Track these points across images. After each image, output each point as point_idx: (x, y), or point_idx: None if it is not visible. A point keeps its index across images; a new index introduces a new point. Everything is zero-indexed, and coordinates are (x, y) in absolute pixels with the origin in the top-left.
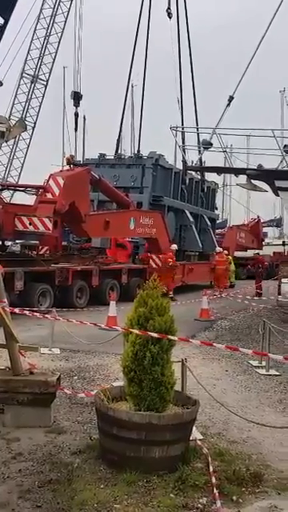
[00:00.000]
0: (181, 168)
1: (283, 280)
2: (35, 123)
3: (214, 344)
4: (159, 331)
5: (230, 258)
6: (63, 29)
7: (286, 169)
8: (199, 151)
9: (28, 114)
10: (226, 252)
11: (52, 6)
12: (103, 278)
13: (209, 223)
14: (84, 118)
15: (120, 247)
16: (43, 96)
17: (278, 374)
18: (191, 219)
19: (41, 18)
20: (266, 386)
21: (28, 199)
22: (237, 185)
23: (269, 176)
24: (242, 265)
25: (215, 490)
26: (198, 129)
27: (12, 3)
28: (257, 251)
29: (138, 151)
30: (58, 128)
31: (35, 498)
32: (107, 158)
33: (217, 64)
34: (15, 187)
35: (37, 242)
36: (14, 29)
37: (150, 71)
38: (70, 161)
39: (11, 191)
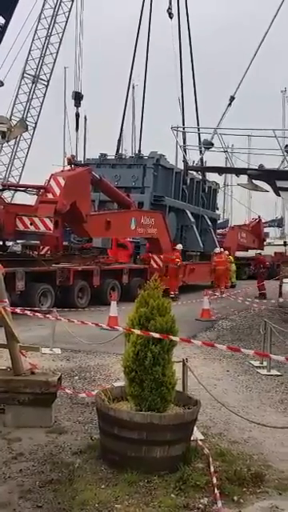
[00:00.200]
0: (182, 168)
1: (284, 280)
2: (36, 123)
3: (216, 345)
4: (160, 331)
5: (231, 258)
6: (64, 29)
7: (287, 169)
8: (200, 151)
9: (29, 114)
10: (226, 252)
11: (53, 6)
12: (104, 278)
13: (210, 223)
14: (85, 118)
15: (121, 247)
16: (44, 96)
17: (279, 374)
18: (192, 219)
19: (42, 18)
20: (268, 386)
21: (29, 199)
22: (238, 185)
23: (270, 176)
24: (244, 265)
25: (216, 491)
26: (199, 129)
27: (13, 3)
28: (258, 251)
29: (139, 151)
30: (58, 128)
31: (36, 498)
32: (108, 158)
33: (218, 64)
34: (16, 187)
35: (38, 242)
36: (15, 29)
37: (151, 71)
38: (71, 161)
39: (12, 191)
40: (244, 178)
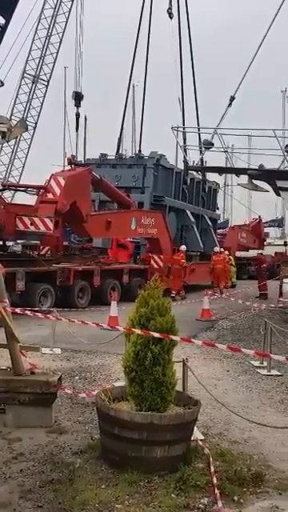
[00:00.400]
0: (182, 168)
1: (284, 280)
2: (36, 123)
3: (216, 344)
4: (160, 331)
5: (231, 257)
6: (64, 29)
7: (287, 169)
8: (200, 151)
9: (29, 114)
10: (226, 252)
11: (53, 7)
12: (104, 278)
13: (210, 223)
14: (85, 118)
15: (121, 247)
16: (44, 96)
17: (279, 374)
18: (192, 219)
19: (42, 18)
20: (268, 386)
21: (29, 199)
22: (238, 185)
23: (270, 176)
24: (245, 265)
25: (216, 491)
26: (199, 129)
27: (13, 3)
28: (260, 251)
29: (139, 151)
30: (59, 128)
31: (36, 498)
32: (108, 158)
33: (218, 64)
34: (16, 187)
35: (38, 242)
36: (16, 29)
37: (151, 71)
38: (71, 161)
39: (12, 191)
40: (244, 178)
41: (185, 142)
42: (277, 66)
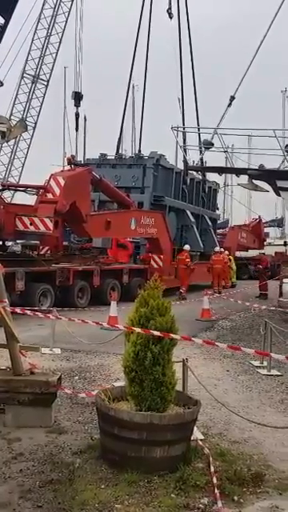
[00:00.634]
0: (182, 168)
1: (284, 280)
2: (36, 123)
3: (217, 343)
4: (160, 331)
5: (232, 257)
6: (64, 29)
7: (287, 169)
8: (200, 151)
9: (29, 114)
10: (226, 252)
11: (53, 6)
12: (104, 278)
13: (210, 223)
14: (85, 118)
15: (121, 247)
16: (44, 96)
17: (279, 374)
18: (192, 219)
19: (41, 18)
20: (268, 386)
21: (29, 199)
22: (238, 185)
23: (270, 176)
24: (245, 264)
25: (216, 490)
26: (199, 129)
27: (13, 3)
28: (262, 251)
29: (139, 151)
30: (58, 128)
31: (36, 498)
32: (108, 158)
33: (218, 64)
34: (16, 187)
35: (38, 242)
36: (15, 29)
37: (151, 71)
38: (71, 161)
39: (12, 191)
40: (244, 178)
41: (185, 142)
42: (277, 66)
